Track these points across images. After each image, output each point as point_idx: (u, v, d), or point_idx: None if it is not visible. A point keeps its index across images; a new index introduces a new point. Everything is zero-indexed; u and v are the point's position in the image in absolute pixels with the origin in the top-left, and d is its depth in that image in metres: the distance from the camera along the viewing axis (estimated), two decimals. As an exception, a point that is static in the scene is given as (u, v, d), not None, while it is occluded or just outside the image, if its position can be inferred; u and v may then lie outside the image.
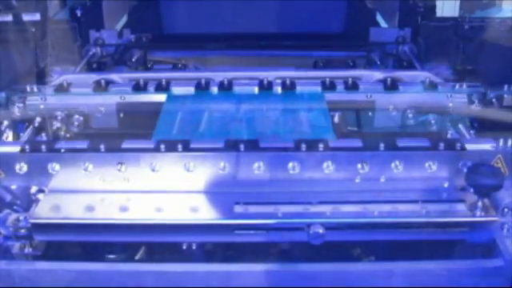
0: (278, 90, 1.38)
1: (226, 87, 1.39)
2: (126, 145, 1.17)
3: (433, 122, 1.39)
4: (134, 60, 1.85)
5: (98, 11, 1.97)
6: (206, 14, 2.03)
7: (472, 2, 1.70)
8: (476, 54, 1.64)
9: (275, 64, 1.84)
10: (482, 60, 1.63)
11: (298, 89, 1.37)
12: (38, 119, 1.37)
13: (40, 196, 1.17)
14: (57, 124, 1.38)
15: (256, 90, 1.38)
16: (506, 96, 1.39)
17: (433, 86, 1.40)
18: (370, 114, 1.39)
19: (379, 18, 2.08)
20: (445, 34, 1.71)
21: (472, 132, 1.34)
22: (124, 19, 2.15)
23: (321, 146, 1.15)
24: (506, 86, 1.39)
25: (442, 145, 1.16)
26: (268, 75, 1.42)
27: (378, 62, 1.83)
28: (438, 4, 1.73)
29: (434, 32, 1.73)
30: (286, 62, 1.87)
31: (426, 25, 1.76)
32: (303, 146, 1.15)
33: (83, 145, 1.18)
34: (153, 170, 1.16)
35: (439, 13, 1.74)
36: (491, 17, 1.68)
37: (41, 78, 1.63)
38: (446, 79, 1.50)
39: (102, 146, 1.16)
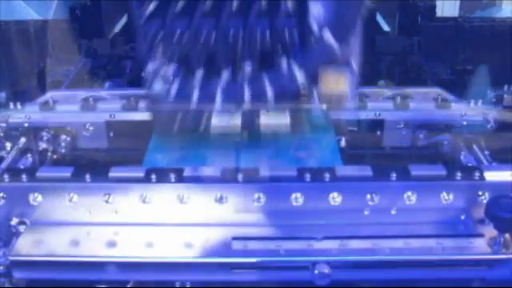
0: None
1: None
2: (113, 173, 1.08)
3: (446, 143, 1.30)
4: (127, 71, 1.76)
5: (98, 11, 1.88)
6: None
7: (472, 2, 1.66)
8: (476, 53, 1.61)
9: None
10: (483, 60, 1.59)
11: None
12: (22, 140, 1.28)
13: (21, 229, 1.08)
14: (41, 145, 1.29)
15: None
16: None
17: (445, 104, 1.31)
18: (378, 134, 1.30)
19: (379, 18, 2.00)
20: (445, 33, 1.66)
21: (487, 153, 1.24)
22: (124, 19, 2.06)
23: (327, 175, 1.05)
24: None
25: (459, 174, 1.07)
26: None
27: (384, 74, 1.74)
28: (438, 4, 1.70)
29: (434, 32, 1.68)
30: None
31: (426, 25, 1.70)
32: (307, 176, 1.05)
33: (68, 173, 1.08)
34: (143, 202, 1.07)
35: (439, 13, 1.70)
36: (491, 17, 1.65)
37: (40, 79, 1.59)
38: (458, 95, 1.41)
39: (88, 176, 1.07)
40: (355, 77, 1.17)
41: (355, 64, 1.16)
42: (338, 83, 1.16)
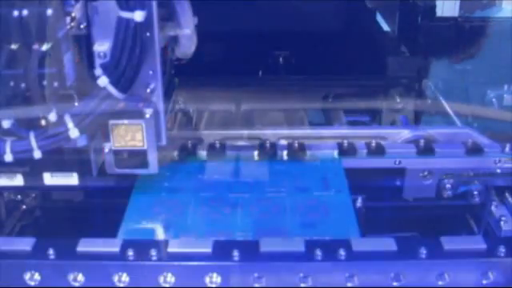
0: (284, 155, 1.10)
1: (217, 151, 1.11)
2: (82, 247, 0.89)
3: (476, 193, 1.12)
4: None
5: None
6: None
7: (472, 2, 1.61)
8: (476, 53, 1.56)
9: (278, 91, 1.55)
10: (483, 59, 1.55)
11: (309, 156, 1.09)
12: None
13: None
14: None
15: (255, 155, 1.11)
16: None
17: (477, 148, 1.12)
18: (398, 185, 1.11)
19: (379, 18, 1.90)
20: (445, 33, 1.60)
21: None
22: None
23: (342, 252, 0.87)
24: None
25: (502, 249, 0.88)
26: (271, 134, 1.15)
27: (398, 100, 1.56)
28: (438, 4, 1.64)
29: (433, 32, 1.61)
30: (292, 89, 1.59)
31: (426, 24, 1.62)
32: (318, 252, 0.87)
33: (28, 246, 0.90)
34: (118, 281, 0.88)
35: (439, 13, 1.65)
36: (491, 17, 1.60)
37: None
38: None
39: (52, 252, 0.88)
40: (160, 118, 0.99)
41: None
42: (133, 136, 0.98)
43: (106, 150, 0.99)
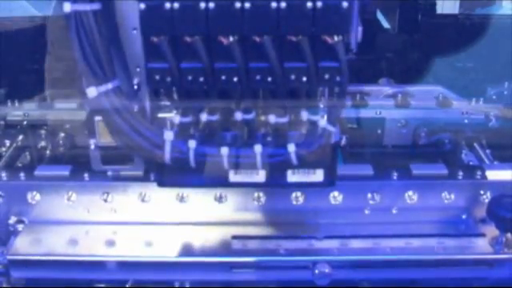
0: None
1: None
2: (112, 172, 1.07)
3: (447, 141, 1.29)
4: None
5: None
6: None
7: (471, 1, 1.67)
8: (476, 50, 1.58)
9: None
10: (483, 57, 1.58)
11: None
12: (20, 138, 1.27)
13: (19, 227, 1.07)
14: (40, 143, 1.28)
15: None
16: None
17: (447, 102, 1.30)
18: (379, 132, 1.29)
19: (379, 16, 1.97)
20: (445, 31, 1.66)
21: (489, 152, 1.24)
22: None
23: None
24: None
25: (460, 173, 1.06)
26: None
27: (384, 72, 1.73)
28: (438, 3, 1.70)
29: (434, 29, 1.68)
30: None
31: (427, 22, 1.70)
32: None
33: (66, 171, 1.08)
34: (142, 201, 1.06)
35: (439, 11, 1.71)
36: (491, 14, 1.65)
37: (39, 76, 1.53)
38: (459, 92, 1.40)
39: (86, 175, 1.06)
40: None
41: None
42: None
43: None
